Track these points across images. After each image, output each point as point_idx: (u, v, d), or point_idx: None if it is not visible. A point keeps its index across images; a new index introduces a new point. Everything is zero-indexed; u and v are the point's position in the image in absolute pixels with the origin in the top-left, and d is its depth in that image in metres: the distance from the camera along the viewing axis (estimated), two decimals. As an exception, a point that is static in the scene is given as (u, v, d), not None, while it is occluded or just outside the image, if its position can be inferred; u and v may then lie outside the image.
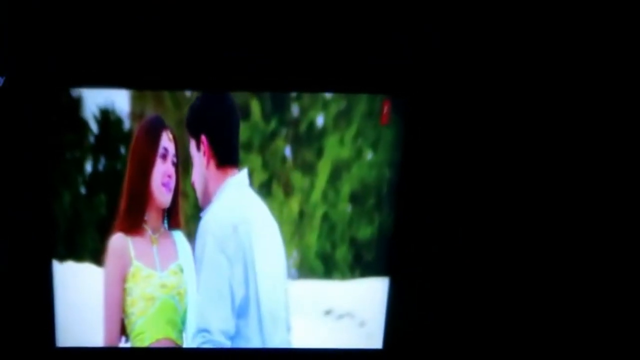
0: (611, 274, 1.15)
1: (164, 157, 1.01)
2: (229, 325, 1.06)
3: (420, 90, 1.02)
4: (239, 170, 1.03)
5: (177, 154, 1.02)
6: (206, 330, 1.06)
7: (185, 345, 1.08)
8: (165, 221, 1.05)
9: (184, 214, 1.05)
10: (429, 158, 1.08)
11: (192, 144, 1.02)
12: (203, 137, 1.02)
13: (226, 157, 1.03)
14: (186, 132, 1.01)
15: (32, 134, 0.98)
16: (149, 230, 1.04)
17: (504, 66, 1.04)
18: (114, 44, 0.98)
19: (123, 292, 1.04)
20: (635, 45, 1.04)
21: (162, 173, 1.02)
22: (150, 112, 1.00)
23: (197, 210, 1.04)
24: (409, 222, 1.09)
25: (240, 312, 1.06)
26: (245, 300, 1.05)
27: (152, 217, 1.05)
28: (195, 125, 1.01)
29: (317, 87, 1.01)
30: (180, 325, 1.07)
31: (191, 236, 1.05)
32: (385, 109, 1.01)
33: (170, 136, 1.01)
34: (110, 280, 1.04)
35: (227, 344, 1.07)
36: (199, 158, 1.03)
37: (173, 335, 1.07)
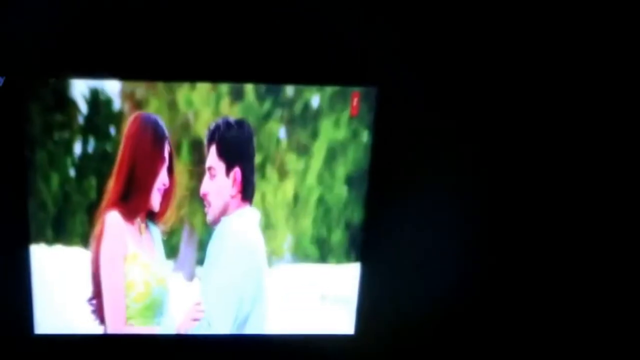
0: (574, 268, 1.19)
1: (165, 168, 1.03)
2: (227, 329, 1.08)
3: (387, 81, 1.04)
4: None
5: (171, 162, 1.03)
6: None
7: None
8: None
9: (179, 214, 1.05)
10: (398, 149, 1.09)
11: (222, 168, 1.03)
12: (237, 169, 1.03)
13: (250, 194, 1.05)
14: (219, 156, 1.02)
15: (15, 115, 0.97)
16: (138, 220, 1.04)
17: (470, 57, 1.06)
18: (106, 33, 0.98)
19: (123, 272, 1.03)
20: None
21: (159, 180, 1.03)
22: (141, 93, 0.98)
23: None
24: (380, 209, 1.11)
25: (240, 326, 1.08)
26: (246, 318, 1.07)
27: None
28: (233, 154, 1.02)
29: (288, 79, 1.01)
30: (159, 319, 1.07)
31: (172, 235, 1.05)
32: (355, 101, 1.02)
33: (169, 147, 1.02)
34: (110, 258, 1.03)
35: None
36: (226, 183, 1.04)
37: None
